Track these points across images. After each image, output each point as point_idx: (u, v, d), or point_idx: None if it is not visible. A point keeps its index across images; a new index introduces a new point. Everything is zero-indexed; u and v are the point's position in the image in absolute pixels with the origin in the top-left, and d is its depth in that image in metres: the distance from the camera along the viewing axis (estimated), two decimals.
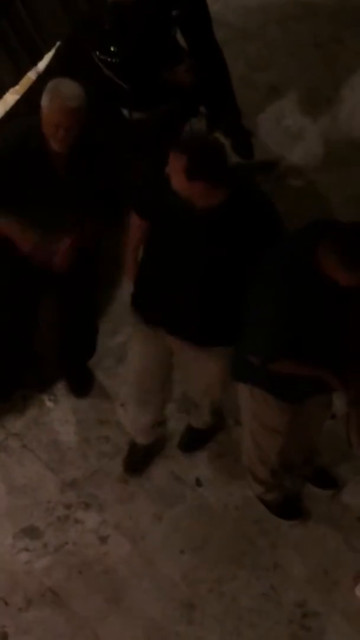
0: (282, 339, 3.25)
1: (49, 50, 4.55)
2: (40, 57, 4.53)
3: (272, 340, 3.27)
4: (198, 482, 4.16)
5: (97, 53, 4.38)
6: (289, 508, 4.07)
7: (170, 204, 3.38)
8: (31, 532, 4.07)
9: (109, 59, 4.36)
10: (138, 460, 4.26)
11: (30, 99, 4.32)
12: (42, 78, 4.46)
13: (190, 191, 3.30)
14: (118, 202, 3.84)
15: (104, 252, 4.47)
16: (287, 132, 5.18)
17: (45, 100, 3.59)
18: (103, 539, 4.05)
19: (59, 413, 4.39)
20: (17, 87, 4.43)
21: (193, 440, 4.30)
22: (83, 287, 4.09)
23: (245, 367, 3.46)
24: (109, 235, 3.91)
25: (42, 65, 4.57)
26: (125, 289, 4.65)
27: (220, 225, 3.37)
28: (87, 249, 3.83)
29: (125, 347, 4.40)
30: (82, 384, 4.46)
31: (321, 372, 3.39)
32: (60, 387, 4.46)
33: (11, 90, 4.34)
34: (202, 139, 3.53)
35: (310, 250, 3.13)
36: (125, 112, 4.48)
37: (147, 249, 3.69)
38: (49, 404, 4.41)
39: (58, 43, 4.57)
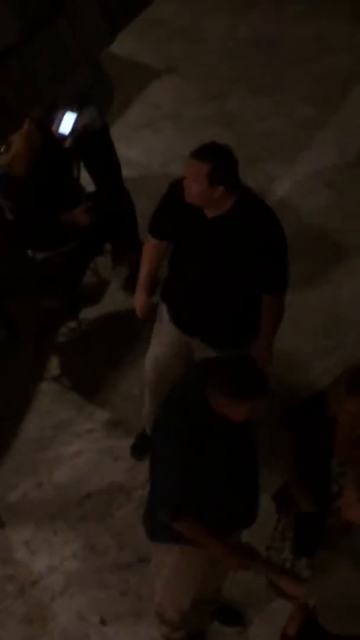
0: (185, 490, 3.42)
1: None
2: None
3: (178, 492, 3.43)
4: (103, 621, 4.30)
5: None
6: None
7: (184, 218, 3.95)
8: None
9: (9, 204, 4.78)
10: (144, 449, 4.73)
11: None
12: None
13: (209, 197, 3.81)
14: None
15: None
16: None
17: None
18: None
19: None
20: None
21: None
22: None
23: (160, 526, 3.59)
24: None
25: None
26: (29, 424, 4.96)
27: (230, 228, 3.91)
28: None
29: (28, 484, 4.75)
30: None
31: (224, 550, 3.57)
32: None
33: None
34: (217, 147, 3.89)
35: (201, 394, 3.36)
36: (29, 251, 4.85)
37: (171, 257, 4.23)
38: None
39: None
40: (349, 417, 3.48)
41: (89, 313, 5.31)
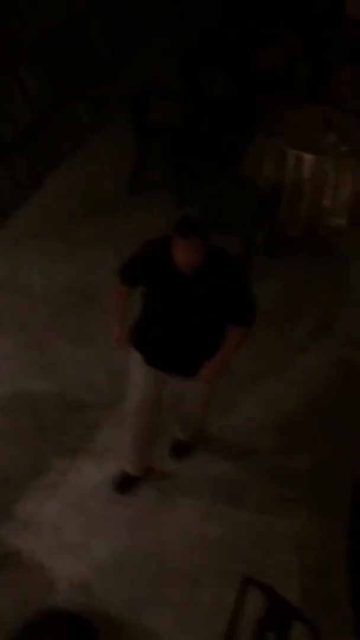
0: None
1: None
2: None
3: None
4: None
5: None
6: None
7: (164, 271, 5.06)
8: None
9: None
10: (125, 485, 6.13)
11: None
12: None
13: (203, 259, 4.97)
14: None
15: None
16: (16, 519, 5.88)
17: None
18: None
19: None
20: None
21: (181, 449, 6.35)
22: None
23: None
24: None
25: None
26: None
27: (206, 278, 5.04)
28: None
29: None
30: None
31: None
32: None
33: None
34: (192, 220, 5.01)
35: None
36: None
37: (145, 306, 5.40)
38: None
39: None
40: None
41: None
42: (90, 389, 6.83)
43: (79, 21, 9.36)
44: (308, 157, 7.93)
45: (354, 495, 5.61)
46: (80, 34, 9.38)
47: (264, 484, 6.27)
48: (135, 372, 5.66)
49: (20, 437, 6.44)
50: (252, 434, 6.60)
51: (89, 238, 8.28)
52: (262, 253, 8.08)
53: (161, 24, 10.38)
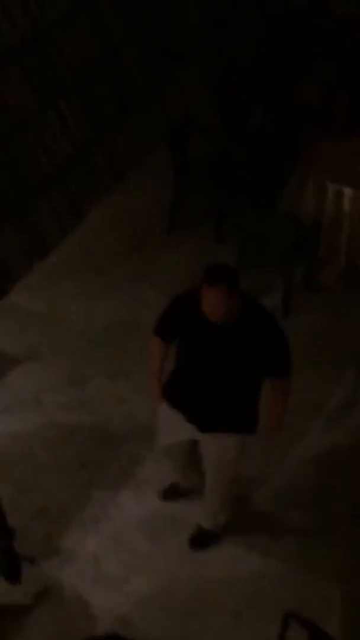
0: None
1: None
2: None
3: None
4: None
5: None
6: None
7: (196, 323, 5.11)
8: None
9: None
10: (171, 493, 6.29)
11: None
12: None
13: (231, 308, 5.01)
14: None
15: None
16: (57, 553, 5.95)
17: None
18: None
19: None
20: None
21: (203, 540, 6.06)
22: None
23: None
24: None
25: None
26: None
27: (240, 330, 5.10)
28: None
29: None
30: None
31: None
32: None
33: None
34: (220, 267, 5.14)
35: None
36: None
37: (179, 358, 5.46)
38: None
39: None
40: None
41: None
42: (130, 424, 6.90)
43: (115, 54, 9.52)
44: (348, 190, 8.01)
45: None
46: (117, 66, 9.53)
47: (305, 519, 6.31)
48: (163, 419, 5.76)
49: (60, 471, 6.53)
50: (293, 470, 6.65)
51: (127, 273, 8.39)
52: (301, 288, 8.15)
53: (198, 56, 10.52)
